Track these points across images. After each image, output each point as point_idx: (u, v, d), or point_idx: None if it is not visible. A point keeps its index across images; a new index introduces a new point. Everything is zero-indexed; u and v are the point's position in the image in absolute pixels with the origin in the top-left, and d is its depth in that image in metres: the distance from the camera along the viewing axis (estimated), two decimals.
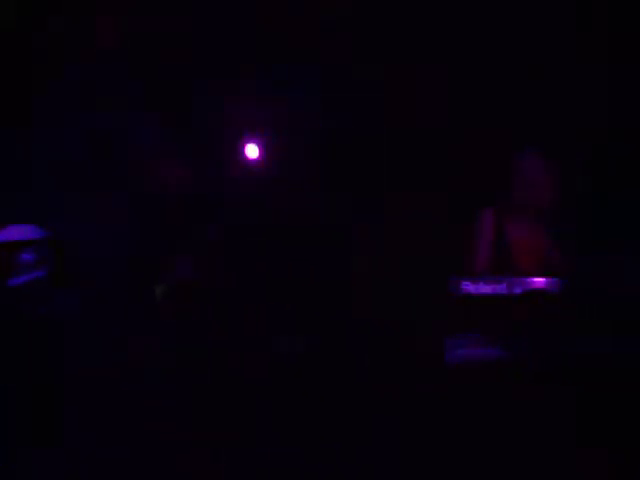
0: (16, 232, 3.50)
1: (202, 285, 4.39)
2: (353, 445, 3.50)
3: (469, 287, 3.41)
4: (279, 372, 3.94)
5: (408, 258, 4.45)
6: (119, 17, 3.96)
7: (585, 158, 4.82)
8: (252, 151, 4.85)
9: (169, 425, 3.55)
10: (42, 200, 4.02)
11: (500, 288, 3.43)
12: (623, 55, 5.07)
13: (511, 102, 4.97)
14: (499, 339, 3.42)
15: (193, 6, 4.36)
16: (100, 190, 4.01)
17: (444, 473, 3.46)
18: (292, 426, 3.63)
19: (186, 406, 3.61)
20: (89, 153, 3.95)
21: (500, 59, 4.97)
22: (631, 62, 4.97)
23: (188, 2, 4.36)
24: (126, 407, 3.46)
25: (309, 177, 4.81)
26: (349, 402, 3.67)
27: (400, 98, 4.92)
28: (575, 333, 3.34)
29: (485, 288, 3.42)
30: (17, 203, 4.02)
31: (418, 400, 3.51)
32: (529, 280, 3.45)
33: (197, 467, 3.43)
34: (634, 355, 3.26)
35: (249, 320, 4.24)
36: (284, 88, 4.71)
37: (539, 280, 3.45)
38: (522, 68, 4.96)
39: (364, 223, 4.80)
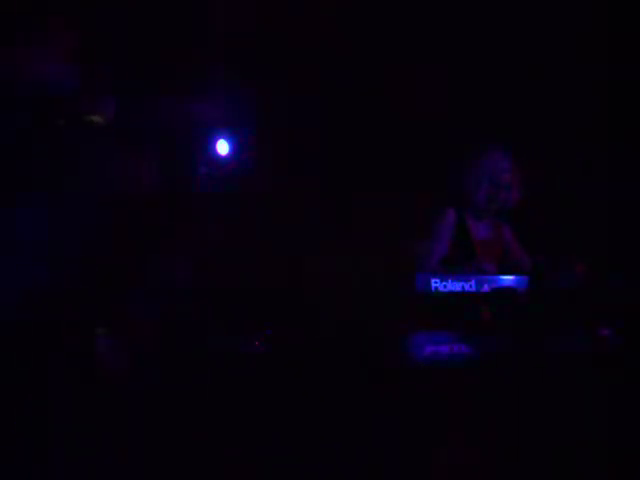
0: None
1: (177, 286, 4.46)
2: (318, 446, 3.53)
3: (437, 284, 3.44)
4: (240, 373, 3.99)
5: (374, 257, 4.48)
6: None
7: (551, 158, 4.79)
8: (222, 148, 4.91)
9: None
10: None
11: (468, 286, 3.45)
12: (621, 55, 5.03)
13: (478, 100, 4.96)
14: (467, 337, 3.43)
15: (161, 5, 4.46)
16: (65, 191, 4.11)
17: (413, 471, 3.48)
18: (255, 427, 3.67)
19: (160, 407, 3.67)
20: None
21: (480, 57, 4.96)
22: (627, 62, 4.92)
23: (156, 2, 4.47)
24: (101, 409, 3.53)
25: (276, 175, 4.87)
26: (313, 403, 3.71)
27: (370, 97, 4.95)
28: (542, 331, 3.34)
29: (453, 286, 3.45)
30: None
31: (385, 399, 3.53)
32: (497, 278, 3.47)
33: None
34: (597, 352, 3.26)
35: (212, 321, 4.32)
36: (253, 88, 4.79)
37: (507, 278, 3.47)
38: (500, 67, 4.95)
39: (330, 222, 4.83)
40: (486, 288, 3.43)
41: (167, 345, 4.02)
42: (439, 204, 4.07)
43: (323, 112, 4.95)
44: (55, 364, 3.50)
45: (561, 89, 5.21)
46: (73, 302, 3.77)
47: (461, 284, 3.44)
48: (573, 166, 5.18)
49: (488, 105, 4.99)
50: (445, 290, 3.43)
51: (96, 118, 4.13)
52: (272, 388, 3.83)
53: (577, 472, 3.27)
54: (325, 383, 3.80)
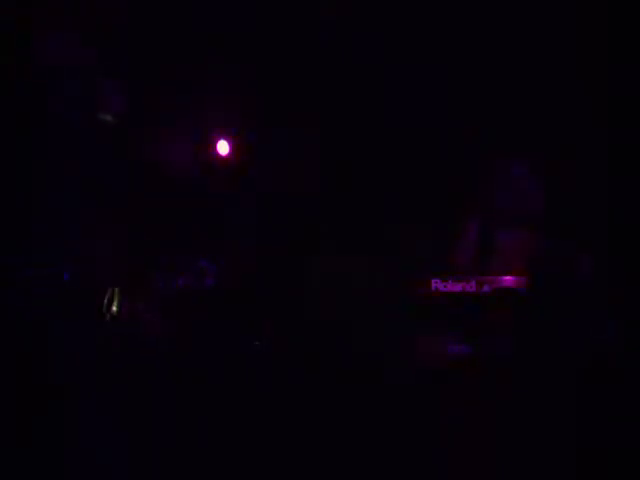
0: None
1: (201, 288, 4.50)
2: (323, 445, 3.54)
3: (439, 285, 3.46)
4: (248, 373, 4.01)
5: (375, 257, 4.48)
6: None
7: (554, 158, 4.79)
8: (223, 148, 4.92)
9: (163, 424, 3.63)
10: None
11: (469, 287, 3.46)
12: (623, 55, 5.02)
13: (502, 109, 4.96)
14: (468, 336, 3.45)
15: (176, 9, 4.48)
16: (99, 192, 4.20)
17: (417, 469, 3.49)
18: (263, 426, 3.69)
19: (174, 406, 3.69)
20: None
21: (495, 65, 4.96)
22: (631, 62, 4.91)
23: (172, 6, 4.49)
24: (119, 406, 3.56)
25: (276, 175, 4.88)
26: (313, 403, 3.72)
27: (385, 97, 4.94)
28: (542, 331, 3.35)
29: (455, 286, 3.46)
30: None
31: (389, 399, 3.54)
32: (498, 279, 3.48)
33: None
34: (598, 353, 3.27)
35: (223, 322, 4.34)
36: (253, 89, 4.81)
37: (508, 279, 3.48)
38: (516, 74, 4.95)
39: (334, 223, 4.84)
40: (487, 289, 3.44)
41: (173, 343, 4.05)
42: (455, 210, 4.10)
43: (326, 112, 4.95)
44: None
45: (550, 96, 5.20)
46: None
47: (462, 284, 3.46)
48: (574, 166, 5.17)
49: (503, 113, 4.98)
50: (445, 290, 3.45)
51: (107, 117, 4.20)
52: (272, 388, 3.84)
53: (577, 471, 3.28)
54: (325, 383, 3.81)
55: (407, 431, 3.55)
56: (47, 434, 3.41)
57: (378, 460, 3.53)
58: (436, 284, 3.33)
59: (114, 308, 4.07)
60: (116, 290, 4.09)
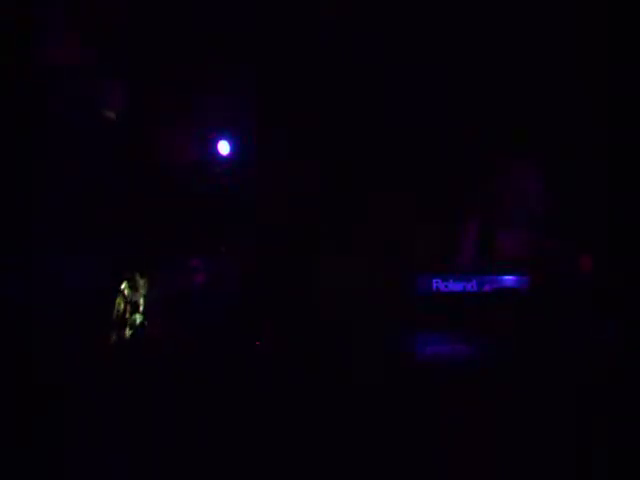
0: None
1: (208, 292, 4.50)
2: (324, 445, 3.53)
3: (440, 285, 3.45)
4: (248, 373, 4.00)
5: (376, 257, 4.47)
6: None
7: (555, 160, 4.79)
8: (223, 148, 4.91)
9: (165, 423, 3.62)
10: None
11: (470, 286, 3.46)
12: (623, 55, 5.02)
13: (502, 109, 4.96)
14: (469, 336, 3.44)
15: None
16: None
17: (416, 468, 3.48)
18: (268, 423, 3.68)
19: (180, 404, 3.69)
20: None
21: (496, 65, 4.96)
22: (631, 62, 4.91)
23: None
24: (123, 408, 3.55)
25: (276, 176, 4.88)
26: (313, 402, 3.71)
27: (384, 97, 4.94)
28: (542, 331, 3.35)
29: (456, 286, 3.46)
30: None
31: (389, 398, 3.53)
32: (499, 278, 3.48)
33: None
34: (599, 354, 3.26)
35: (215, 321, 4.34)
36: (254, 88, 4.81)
37: (508, 279, 3.47)
38: (519, 74, 4.94)
39: (334, 223, 4.83)
40: (488, 288, 3.44)
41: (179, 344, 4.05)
42: (455, 210, 4.11)
43: (326, 112, 4.94)
44: None
45: (554, 97, 5.19)
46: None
47: (462, 284, 3.45)
48: (574, 166, 5.17)
49: (503, 113, 4.97)
50: (446, 290, 3.44)
51: (107, 116, 4.21)
52: (272, 387, 3.83)
53: (577, 471, 3.27)
54: (325, 383, 3.80)
55: (407, 431, 3.53)
56: (47, 434, 3.40)
57: (378, 459, 3.51)
58: (437, 284, 3.32)
59: (120, 308, 4.08)
60: (124, 288, 4.09)
